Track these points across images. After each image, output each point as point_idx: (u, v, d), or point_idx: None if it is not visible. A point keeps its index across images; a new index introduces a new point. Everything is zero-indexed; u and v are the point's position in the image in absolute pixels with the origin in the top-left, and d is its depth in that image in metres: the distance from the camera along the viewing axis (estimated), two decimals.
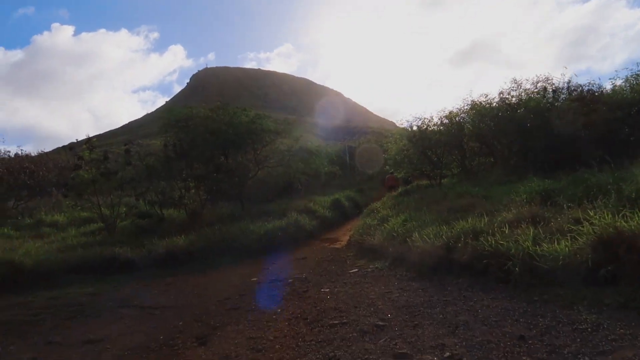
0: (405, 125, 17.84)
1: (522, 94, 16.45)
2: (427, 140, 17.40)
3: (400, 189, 18.18)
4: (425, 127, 17.55)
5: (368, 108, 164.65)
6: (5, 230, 14.26)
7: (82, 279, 9.17)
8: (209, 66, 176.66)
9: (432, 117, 17.72)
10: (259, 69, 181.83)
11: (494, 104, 16.78)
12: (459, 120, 17.52)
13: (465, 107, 17.39)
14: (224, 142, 14.93)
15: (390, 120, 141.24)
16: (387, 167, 19.42)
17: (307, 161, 16.00)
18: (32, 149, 24.18)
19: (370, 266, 8.30)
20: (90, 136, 12.26)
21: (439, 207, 10.63)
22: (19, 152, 20.72)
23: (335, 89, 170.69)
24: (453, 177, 18.75)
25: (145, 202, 14.03)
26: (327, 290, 6.80)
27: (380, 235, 9.57)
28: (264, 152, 15.98)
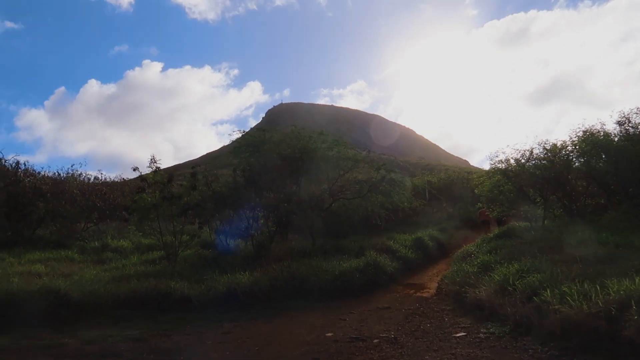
0: (501, 157, 15.63)
1: None
2: (526, 176, 15.11)
3: (496, 230, 15.78)
4: (524, 161, 15.28)
5: (440, 146, 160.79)
6: (70, 253, 13.72)
7: (130, 317, 7.95)
8: (283, 102, 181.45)
9: (532, 150, 15.41)
10: (332, 105, 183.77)
11: (611, 136, 14.32)
12: (565, 154, 15.10)
13: (574, 139, 14.97)
14: (297, 169, 13.61)
15: (463, 159, 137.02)
16: (479, 204, 17.27)
17: (388, 194, 14.18)
18: (115, 176, 24.64)
19: (482, 330, 6.29)
20: (154, 156, 11.34)
21: (561, 256, 8.48)
22: (99, 176, 20.71)
23: (407, 126, 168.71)
24: (554, 219, 16.17)
25: (210, 230, 12.90)
26: None
27: (488, 287, 7.56)
28: (340, 181, 14.44)
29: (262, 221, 13.67)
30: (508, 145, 15.88)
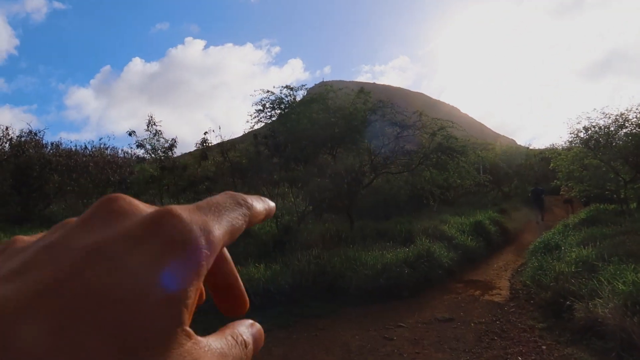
0: (584, 123, 12.65)
1: None
2: (618, 148, 12.17)
3: (582, 213, 12.86)
4: (614, 129, 12.29)
5: (486, 124, 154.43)
6: None
7: None
8: (324, 80, 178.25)
9: (624, 115, 12.35)
10: (374, 82, 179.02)
11: None
12: None
13: None
14: (332, 136, 11.20)
15: (510, 137, 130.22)
16: (558, 181, 14.44)
17: (444, 167, 11.46)
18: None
19: None
20: (152, 116, 9.18)
21: None
22: (129, 151, 19.02)
23: (451, 104, 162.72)
24: None
25: None
26: None
27: (608, 301, 5.03)
28: (385, 152, 11.89)
29: (291, 199, 11.43)
30: (594, 109, 12.76)
